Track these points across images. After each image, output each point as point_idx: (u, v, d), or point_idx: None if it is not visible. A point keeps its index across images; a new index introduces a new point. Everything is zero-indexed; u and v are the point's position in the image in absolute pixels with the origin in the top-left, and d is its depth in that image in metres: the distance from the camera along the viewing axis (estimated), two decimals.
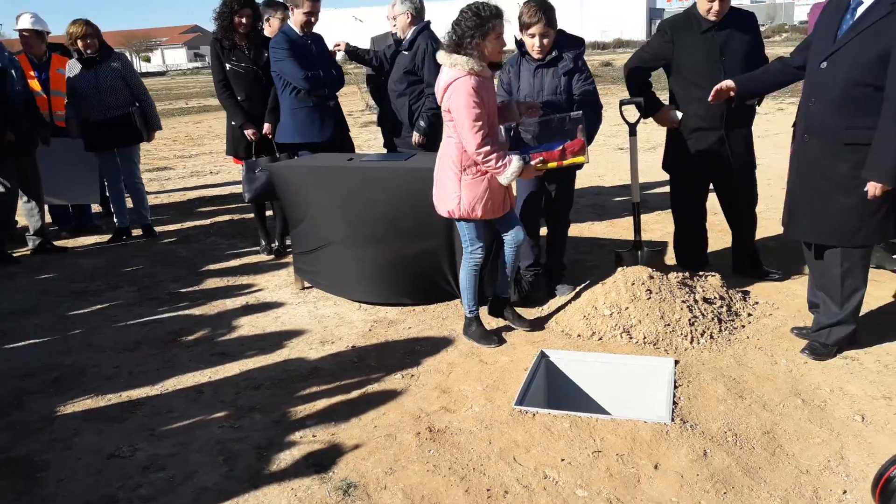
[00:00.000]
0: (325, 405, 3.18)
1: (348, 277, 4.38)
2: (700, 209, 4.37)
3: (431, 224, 4.00)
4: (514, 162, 3.36)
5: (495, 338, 3.70)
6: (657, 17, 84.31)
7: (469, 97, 3.23)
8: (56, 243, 5.94)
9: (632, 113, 4.01)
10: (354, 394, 3.27)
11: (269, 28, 5.39)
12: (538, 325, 3.85)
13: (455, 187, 3.44)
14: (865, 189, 2.96)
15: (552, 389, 3.39)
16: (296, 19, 4.84)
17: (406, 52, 4.87)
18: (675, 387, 3.11)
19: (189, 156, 11.55)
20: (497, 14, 3.28)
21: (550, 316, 3.94)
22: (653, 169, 7.86)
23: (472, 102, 3.23)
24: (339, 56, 5.25)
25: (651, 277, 3.83)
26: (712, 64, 3.89)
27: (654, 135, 10.45)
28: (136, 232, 6.23)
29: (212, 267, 5.32)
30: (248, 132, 5.13)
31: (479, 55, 3.26)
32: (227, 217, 6.96)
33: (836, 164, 3.04)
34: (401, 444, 2.81)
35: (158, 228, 6.37)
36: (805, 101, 3.18)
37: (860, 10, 2.96)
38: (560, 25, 3.85)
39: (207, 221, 6.80)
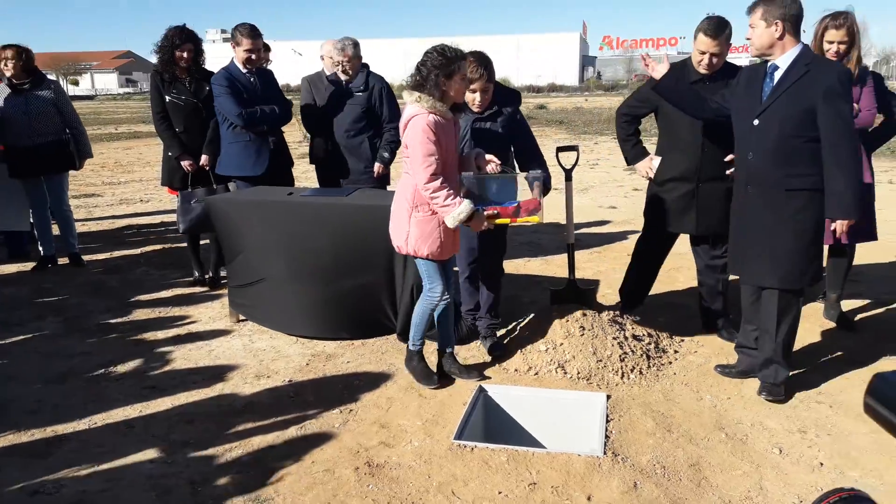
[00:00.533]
0: (262, 440, 3.14)
1: (286, 311, 4.36)
2: (659, 257, 4.38)
3: (371, 259, 4.04)
4: (464, 204, 3.29)
5: (435, 377, 3.67)
6: (589, 63, 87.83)
7: (424, 133, 3.22)
8: None
9: (569, 159, 4.18)
10: (291, 429, 3.25)
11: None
12: (482, 370, 3.80)
13: (405, 223, 3.42)
14: (814, 232, 3.26)
15: (490, 423, 3.45)
16: (238, 56, 4.91)
17: (361, 94, 5.00)
18: (608, 420, 3.22)
19: (118, 183, 11.25)
20: (462, 56, 3.32)
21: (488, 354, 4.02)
22: (585, 210, 8.18)
23: (426, 138, 3.22)
24: None
25: (584, 315, 3.97)
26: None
27: (585, 178, 10.86)
28: (63, 261, 6.02)
29: (143, 297, 5.19)
30: (185, 163, 5.10)
31: (440, 95, 3.27)
32: (158, 246, 6.80)
33: (781, 211, 3.27)
34: (339, 479, 2.80)
35: (86, 257, 6.17)
36: (743, 156, 3.40)
37: (777, 74, 3.27)
38: (497, 69, 3.97)
39: (138, 251, 6.63)
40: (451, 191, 3.30)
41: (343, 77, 5.04)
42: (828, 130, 3.12)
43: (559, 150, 4.29)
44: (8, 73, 5.51)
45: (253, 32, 4.87)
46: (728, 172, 3.74)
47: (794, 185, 3.24)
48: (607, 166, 12.37)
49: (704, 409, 3.39)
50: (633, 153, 4.24)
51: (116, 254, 6.47)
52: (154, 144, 16.96)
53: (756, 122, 3.30)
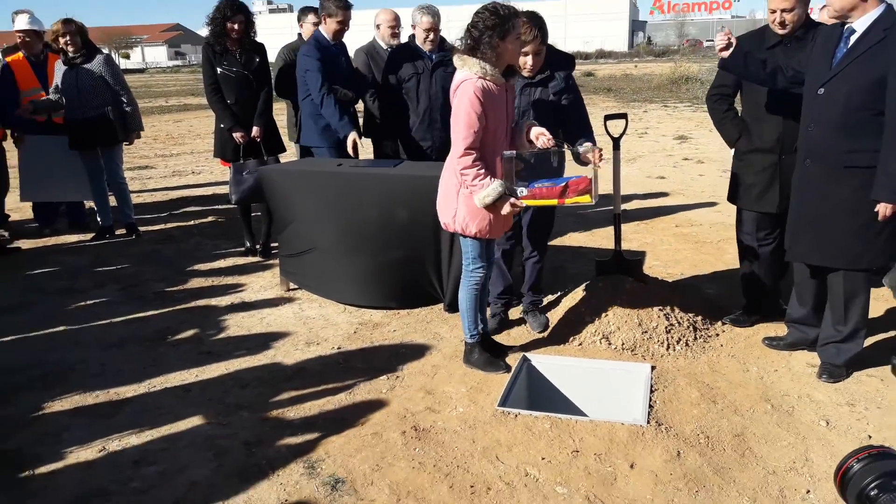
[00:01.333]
0: (312, 404, 3.25)
1: (335, 280, 4.46)
2: (763, 244, 3.86)
3: (418, 229, 4.09)
4: (493, 185, 3.09)
5: (502, 364, 3.50)
6: (639, 29, 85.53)
7: (469, 101, 3.02)
8: (23, 244, 5.95)
9: (616, 127, 4.13)
10: (340, 394, 3.35)
11: (302, 30, 5.64)
12: (526, 342, 3.83)
13: (454, 200, 3.27)
14: (872, 211, 3.02)
15: (534, 392, 3.49)
16: (328, 28, 4.87)
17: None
18: (652, 391, 3.23)
19: (170, 155, 11.52)
20: (516, 13, 3.11)
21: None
22: (633, 180, 8.07)
23: (471, 107, 3.03)
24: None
25: (630, 286, 3.96)
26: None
27: (633, 147, 10.68)
28: (120, 231, 6.24)
29: (197, 267, 5.36)
30: (237, 135, 5.20)
31: (495, 58, 3.06)
32: (210, 218, 6.99)
33: (838, 188, 3.11)
34: (387, 442, 2.90)
35: (141, 228, 6.38)
36: (805, 127, 3.22)
37: (853, 38, 3.04)
38: None
39: (191, 222, 6.83)
40: (483, 169, 3.11)
41: (429, 46, 4.75)
42: (893, 105, 2.91)
43: (607, 118, 4.24)
44: (71, 50, 5.67)
45: (346, 4, 4.84)
46: None
47: (855, 162, 3.04)
48: (656, 135, 12.13)
49: (751, 380, 3.37)
50: (731, 133, 3.86)
51: (170, 224, 6.68)
52: (204, 117, 17.32)
53: (821, 90, 3.10)
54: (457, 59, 3.17)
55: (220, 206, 7.39)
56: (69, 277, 5.14)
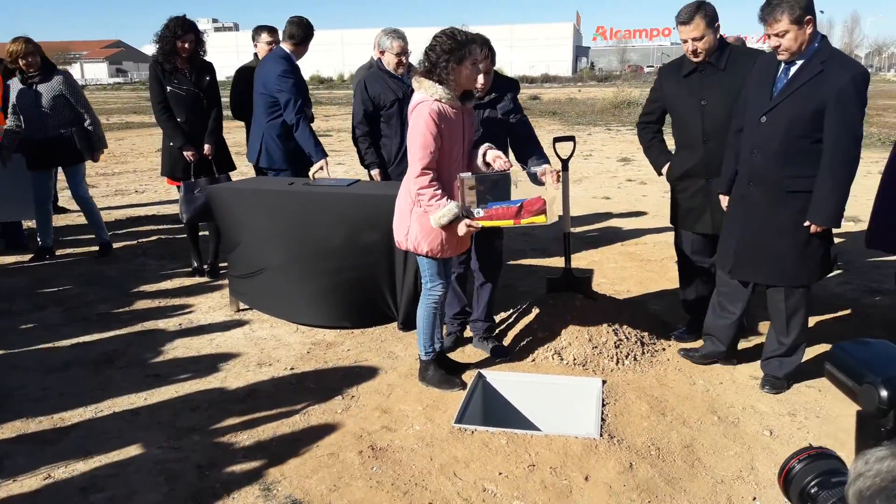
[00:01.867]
0: (266, 426, 3.21)
1: (287, 300, 4.42)
2: (699, 262, 4.01)
3: (371, 248, 4.11)
4: (449, 206, 3.13)
5: (457, 381, 3.51)
6: (583, 54, 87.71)
7: (425, 122, 3.06)
8: None
9: (565, 149, 4.24)
10: (294, 415, 3.31)
11: (257, 50, 5.50)
12: (480, 360, 3.86)
13: (407, 219, 3.30)
14: (809, 231, 3.19)
15: (489, 408, 3.53)
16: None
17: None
18: (603, 405, 3.30)
19: (112, 174, 11.24)
20: (474, 39, 3.15)
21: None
22: (580, 200, 8.25)
23: (426, 128, 3.06)
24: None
25: (580, 303, 4.06)
26: (692, 108, 3.72)
27: (579, 168, 10.92)
28: (91, 249, 6.05)
29: (142, 288, 5.24)
30: (188, 154, 5.13)
31: (451, 81, 3.10)
32: (155, 237, 6.84)
33: (780, 211, 3.25)
34: (343, 462, 2.88)
35: (83, 249, 6.22)
36: (748, 153, 3.34)
37: (793, 70, 3.18)
38: None
39: (135, 242, 6.67)
40: (439, 190, 3.15)
41: (401, 70, 4.62)
42: (830, 135, 3.07)
43: (556, 140, 4.35)
44: (31, 71, 5.50)
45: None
46: None
47: (796, 187, 3.19)
48: (601, 157, 12.44)
49: (697, 393, 3.48)
50: (657, 160, 4.07)
51: (114, 244, 6.50)
52: (147, 135, 16.93)
53: (763, 118, 3.23)
54: (414, 82, 3.21)
55: (164, 226, 7.24)
56: (6, 299, 4.95)
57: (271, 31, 5.49)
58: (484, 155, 3.37)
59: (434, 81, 3.11)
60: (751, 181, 3.34)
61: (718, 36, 3.62)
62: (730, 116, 3.52)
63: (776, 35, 3.10)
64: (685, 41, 3.61)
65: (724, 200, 3.60)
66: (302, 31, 4.88)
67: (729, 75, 3.59)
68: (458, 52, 3.08)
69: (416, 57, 3.67)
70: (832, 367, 1.25)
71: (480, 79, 3.55)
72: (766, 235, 3.31)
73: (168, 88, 5.11)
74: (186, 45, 5.06)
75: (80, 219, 7.48)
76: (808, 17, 3.03)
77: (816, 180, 3.13)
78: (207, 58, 5.38)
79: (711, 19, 3.54)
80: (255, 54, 5.53)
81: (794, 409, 3.31)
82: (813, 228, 3.18)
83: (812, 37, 3.10)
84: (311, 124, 4.94)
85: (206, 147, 5.20)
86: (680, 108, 3.80)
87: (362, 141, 4.63)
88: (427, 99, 3.11)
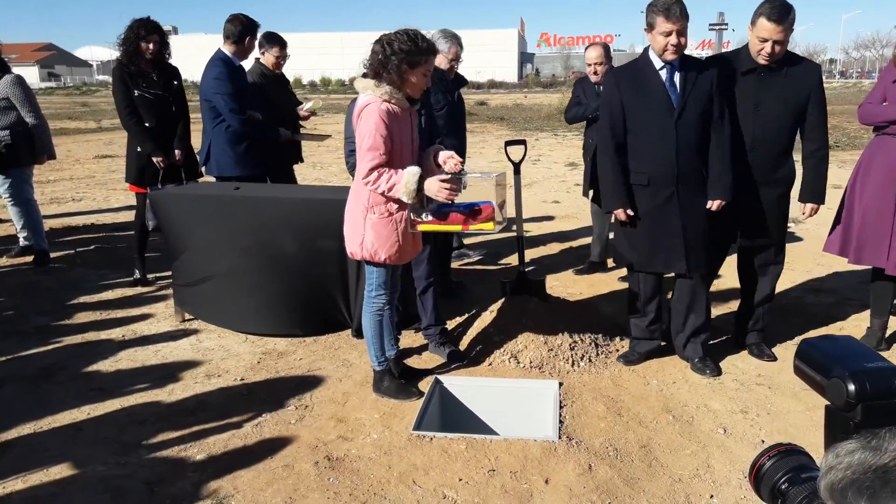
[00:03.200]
0: (216, 439, 3.10)
1: (235, 309, 4.30)
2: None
3: (322, 254, 4.03)
4: (409, 171, 3.00)
5: (414, 390, 3.45)
6: (528, 60, 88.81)
7: (375, 123, 2.97)
8: None
9: (517, 153, 4.25)
10: (246, 426, 3.22)
11: (265, 60, 5.33)
12: (437, 366, 3.82)
13: (360, 227, 3.19)
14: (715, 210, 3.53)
15: (447, 414, 3.49)
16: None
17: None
18: (561, 407, 3.31)
19: (47, 181, 10.77)
20: (432, 50, 3.07)
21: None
22: (530, 205, 8.30)
23: (376, 129, 2.97)
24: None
25: (534, 306, 4.06)
26: (742, 112, 3.60)
27: (528, 173, 11.01)
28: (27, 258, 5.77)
29: (82, 299, 5.02)
30: (157, 160, 4.95)
31: (400, 82, 3.03)
32: (94, 246, 6.58)
33: (705, 200, 3.55)
34: (299, 474, 2.80)
35: (19, 259, 5.93)
36: (671, 157, 3.45)
37: (678, 76, 3.45)
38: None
39: (73, 251, 6.40)
40: (386, 168, 3.03)
41: (452, 75, 4.51)
42: (718, 121, 3.51)
43: (507, 143, 4.36)
44: None
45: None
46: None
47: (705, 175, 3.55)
48: (549, 162, 12.58)
49: (652, 393, 3.52)
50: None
51: (51, 254, 6.23)
52: (83, 141, 16.39)
53: (679, 121, 3.43)
54: (358, 83, 3.12)
55: (104, 234, 6.98)
56: None
57: (281, 45, 5.33)
58: (435, 156, 3.26)
59: (383, 82, 3.02)
60: (679, 182, 3.49)
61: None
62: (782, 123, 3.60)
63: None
64: (765, 40, 3.41)
65: (623, 215, 3.57)
66: (237, 28, 4.80)
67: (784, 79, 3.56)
68: (416, 56, 3.00)
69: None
70: (800, 363, 1.26)
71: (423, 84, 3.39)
72: (704, 224, 3.58)
73: (136, 92, 4.90)
74: (151, 47, 4.88)
75: (13, 228, 7.17)
76: None
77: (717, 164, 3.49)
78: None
79: (793, 23, 3.47)
80: (257, 59, 5.34)
81: (746, 406, 3.38)
82: (714, 205, 3.52)
83: None
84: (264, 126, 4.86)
85: (177, 153, 5.03)
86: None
87: None
88: (375, 100, 3.02)
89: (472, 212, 3.15)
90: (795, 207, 3.80)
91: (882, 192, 3.78)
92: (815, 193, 3.72)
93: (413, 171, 3.01)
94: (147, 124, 4.96)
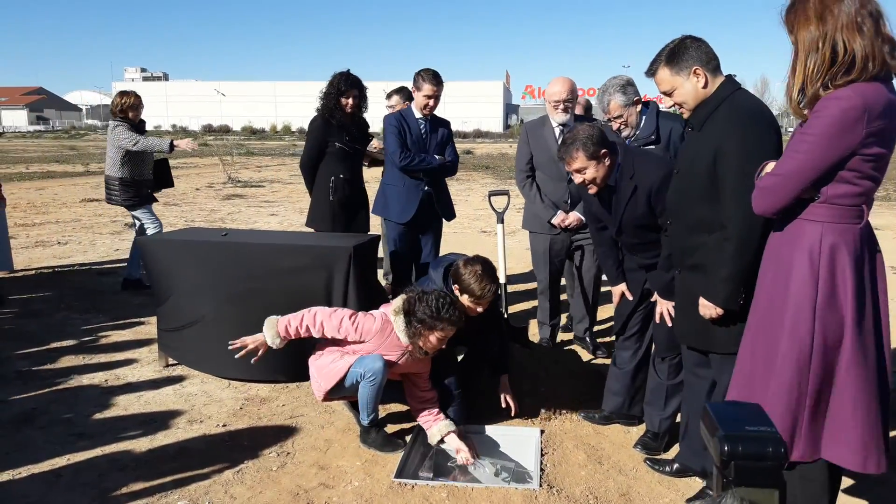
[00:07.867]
0: (198, 486, 3.09)
1: (219, 355, 4.27)
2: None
3: (305, 299, 4.06)
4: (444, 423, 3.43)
5: (400, 442, 3.49)
6: (513, 111, 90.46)
7: (369, 327, 3.33)
8: None
9: (500, 203, 4.37)
10: (227, 473, 3.21)
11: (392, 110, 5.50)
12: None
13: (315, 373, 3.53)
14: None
15: (428, 461, 3.49)
16: (417, 102, 4.83)
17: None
18: (542, 454, 3.34)
19: (33, 224, 10.78)
20: (452, 321, 3.25)
21: None
22: (514, 252, 8.41)
23: (362, 325, 3.32)
24: None
25: (517, 352, 4.12)
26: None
27: (512, 221, 11.16)
28: None
29: (65, 343, 5.01)
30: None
31: (416, 339, 3.28)
32: (78, 290, 6.57)
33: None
34: None
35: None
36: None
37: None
38: None
39: (58, 295, 6.38)
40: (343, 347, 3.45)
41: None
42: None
43: (491, 193, 4.48)
44: None
45: (435, 78, 4.78)
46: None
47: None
48: None
49: (632, 441, 3.55)
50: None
51: (35, 296, 6.23)
52: (70, 185, 16.39)
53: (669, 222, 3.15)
54: (392, 315, 3.34)
55: (88, 278, 6.98)
56: None
57: (406, 93, 5.60)
58: (442, 440, 3.41)
59: (405, 328, 3.28)
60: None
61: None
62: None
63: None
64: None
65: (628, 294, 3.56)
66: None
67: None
68: (436, 322, 3.22)
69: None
70: (701, 422, 1.44)
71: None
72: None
73: (337, 144, 5.02)
74: (350, 101, 5.00)
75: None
76: (602, 151, 3.16)
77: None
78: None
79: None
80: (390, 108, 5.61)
81: None
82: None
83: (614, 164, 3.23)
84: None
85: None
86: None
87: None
88: (389, 324, 3.33)
89: None
90: None
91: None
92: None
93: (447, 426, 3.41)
94: (342, 175, 5.06)
